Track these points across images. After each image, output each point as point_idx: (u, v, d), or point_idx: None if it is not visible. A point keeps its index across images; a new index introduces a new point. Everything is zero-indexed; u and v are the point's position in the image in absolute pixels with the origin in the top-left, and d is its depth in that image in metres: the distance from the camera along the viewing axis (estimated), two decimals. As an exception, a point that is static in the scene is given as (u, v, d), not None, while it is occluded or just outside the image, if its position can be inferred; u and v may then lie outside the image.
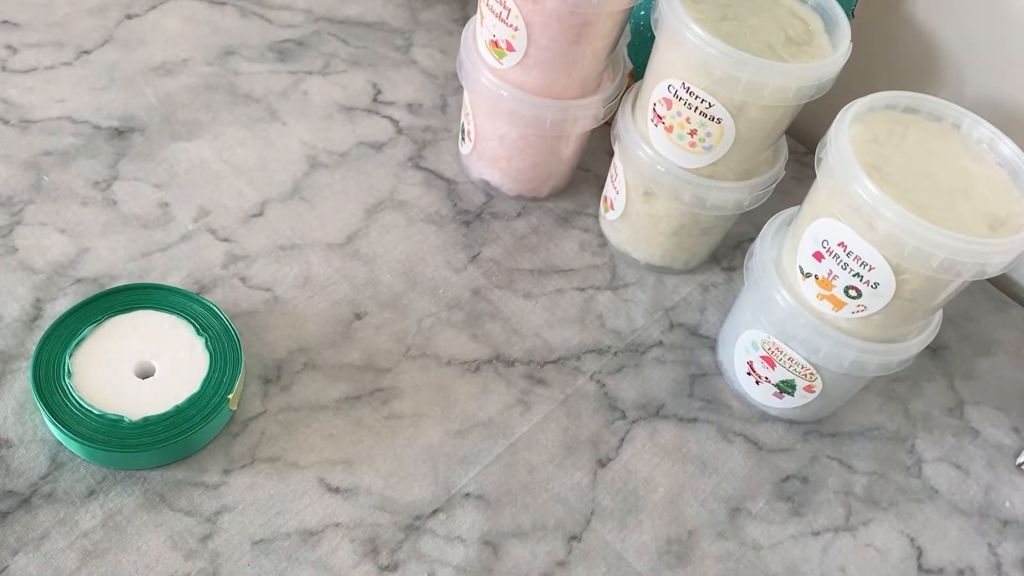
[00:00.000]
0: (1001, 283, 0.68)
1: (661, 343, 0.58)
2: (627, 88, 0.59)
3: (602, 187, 0.64)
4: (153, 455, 0.45)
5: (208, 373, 0.48)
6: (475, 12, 0.57)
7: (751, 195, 0.55)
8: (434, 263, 0.58)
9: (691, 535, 0.49)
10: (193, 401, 0.46)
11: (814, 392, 0.52)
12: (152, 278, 0.53)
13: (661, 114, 0.52)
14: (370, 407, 0.51)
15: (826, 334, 0.48)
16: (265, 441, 0.48)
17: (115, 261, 0.54)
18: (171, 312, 0.50)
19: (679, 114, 0.51)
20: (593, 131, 0.61)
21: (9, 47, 0.64)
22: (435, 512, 0.47)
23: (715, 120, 0.50)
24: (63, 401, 0.45)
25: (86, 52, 0.65)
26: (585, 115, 0.57)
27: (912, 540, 0.52)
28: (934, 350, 0.62)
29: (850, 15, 0.58)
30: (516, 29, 0.52)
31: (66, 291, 0.52)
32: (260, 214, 0.58)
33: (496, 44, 0.54)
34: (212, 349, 0.49)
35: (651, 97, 0.52)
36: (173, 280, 0.54)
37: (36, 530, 0.43)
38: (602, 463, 0.51)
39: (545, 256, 0.61)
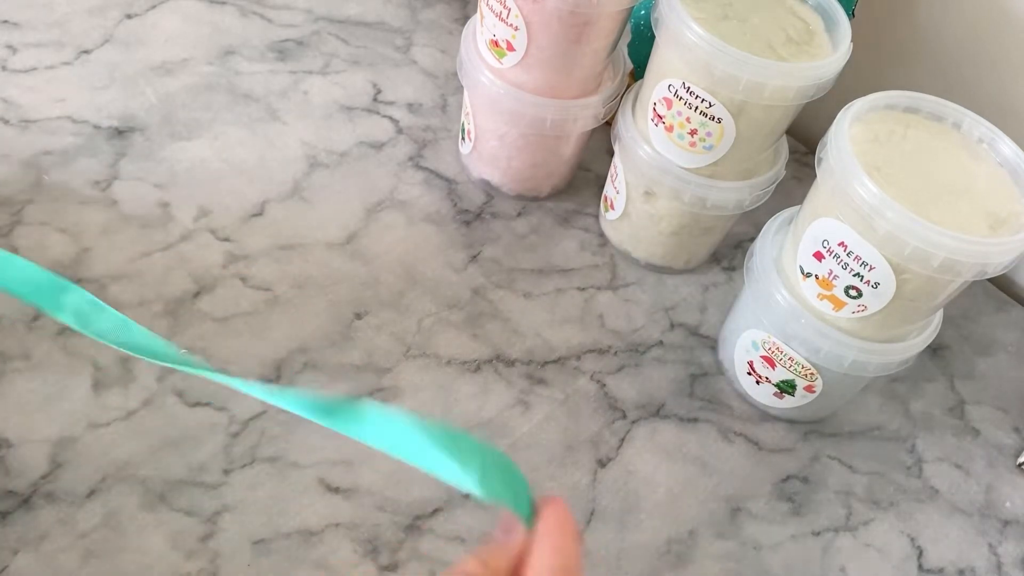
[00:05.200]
0: (1001, 283, 0.68)
1: (661, 343, 0.58)
2: (627, 88, 0.59)
3: (602, 187, 0.64)
4: None
5: None
6: (475, 12, 0.57)
7: (751, 195, 0.55)
8: (434, 263, 0.58)
9: (691, 535, 0.49)
10: None
11: (814, 392, 0.52)
12: (152, 277, 0.53)
13: (661, 114, 0.52)
14: (370, 407, 0.51)
15: (826, 334, 0.48)
16: (265, 441, 0.48)
17: (115, 261, 0.54)
18: None
19: (679, 114, 0.51)
20: (593, 131, 0.61)
21: (9, 47, 0.64)
22: (435, 512, 0.47)
23: (715, 120, 0.50)
24: None
25: (86, 52, 0.65)
26: (585, 115, 0.57)
27: (912, 540, 0.52)
28: (934, 350, 0.62)
29: (850, 15, 0.57)
30: (516, 29, 0.52)
31: (66, 291, 0.52)
32: (260, 214, 0.58)
33: (496, 44, 0.54)
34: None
35: (651, 97, 0.52)
36: (173, 279, 0.54)
37: (36, 530, 0.43)
38: (602, 463, 0.51)
39: (545, 256, 0.61)
